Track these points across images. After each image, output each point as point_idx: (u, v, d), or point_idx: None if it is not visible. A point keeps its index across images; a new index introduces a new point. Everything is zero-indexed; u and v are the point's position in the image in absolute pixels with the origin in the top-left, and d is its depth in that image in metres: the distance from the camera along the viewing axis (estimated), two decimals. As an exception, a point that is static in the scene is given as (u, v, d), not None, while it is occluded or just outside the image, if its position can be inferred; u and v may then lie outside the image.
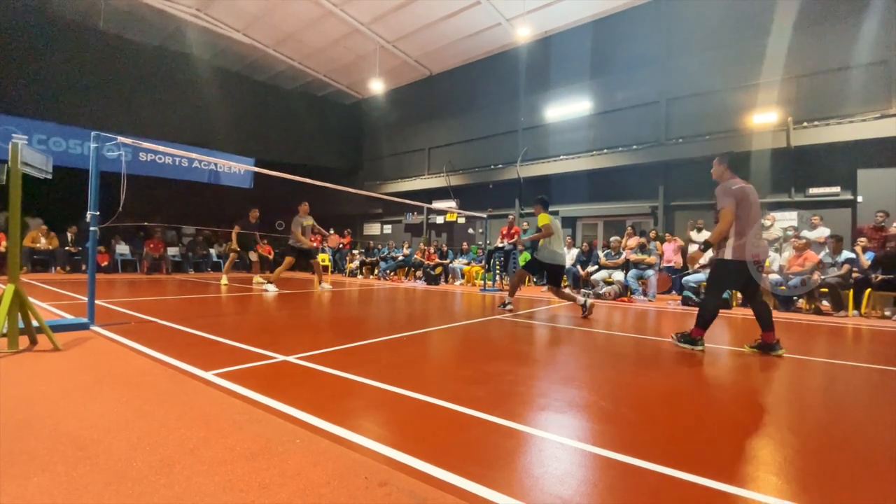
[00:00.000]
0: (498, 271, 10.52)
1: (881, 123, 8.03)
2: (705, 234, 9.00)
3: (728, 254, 3.57)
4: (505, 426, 1.85)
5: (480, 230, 13.71)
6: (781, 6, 9.22)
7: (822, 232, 7.86)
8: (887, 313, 6.38)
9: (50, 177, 3.46)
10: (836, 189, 8.75)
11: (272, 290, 7.56)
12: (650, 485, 1.41)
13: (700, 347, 3.61)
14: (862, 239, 7.27)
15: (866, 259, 6.82)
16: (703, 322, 3.63)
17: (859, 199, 8.43)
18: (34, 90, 11.12)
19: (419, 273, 12.22)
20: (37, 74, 11.08)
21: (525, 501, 1.28)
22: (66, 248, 11.16)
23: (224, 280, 9.38)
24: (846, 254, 6.95)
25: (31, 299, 3.06)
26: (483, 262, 10.98)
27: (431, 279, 11.61)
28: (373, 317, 5.35)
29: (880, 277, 6.36)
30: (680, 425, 1.97)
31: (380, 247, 15.16)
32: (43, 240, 10.69)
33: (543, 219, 5.63)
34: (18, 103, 10.91)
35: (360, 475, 1.39)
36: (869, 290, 6.41)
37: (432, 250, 12.70)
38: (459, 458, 1.54)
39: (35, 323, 3.02)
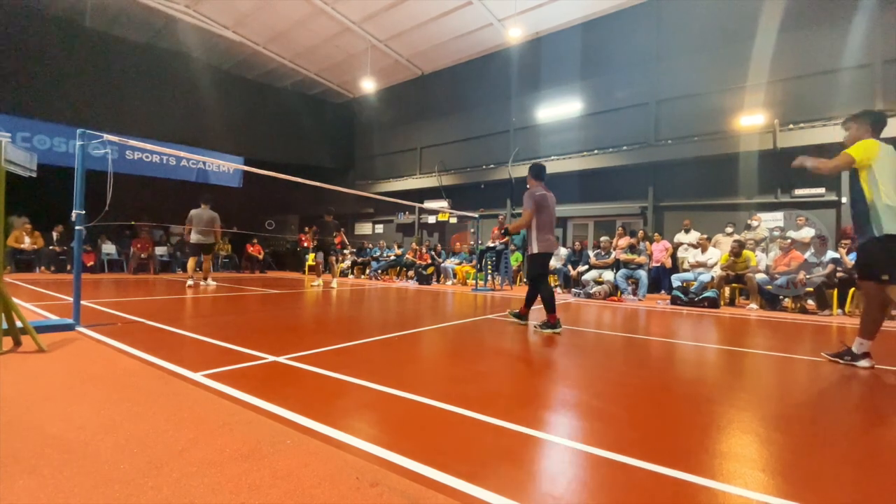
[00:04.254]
0: (490, 271, 10.54)
1: (865, 126, 8.17)
2: (693, 235, 9.11)
3: (535, 248, 4.46)
4: (496, 425, 1.86)
5: (472, 230, 13.72)
6: (768, 10, 9.36)
7: (808, 232, 8.00)
8: (870, 312, 6.50)
9: (34, 175, 3.40)
10: (822, 190, 8.90)
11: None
12: (640, 482, 1.42)
13: (559, 329, 4.25)
14: (846, 240, 7.41)
15: (850, 259, 6.95)
16: (552, 306, 4.34)
17: (843, 199, 8.58)
18: (18, 87, 10.89)
19: (411, 273, 12.21)
20: (20, 71, 10.85)
21: (517, 500, 1.28)
22: (51, 247, 10.97)
23: (334, 283, 9.42)
24: (831, 254, 7.08)
25: (14, 300, 3.00)
26: (475, 261, 11.00)
27: (423, 279, 11.61)
28: (364, 317, 5.33)
29: (864, 277, 6.48)
30: (670, 423, 1.99)
31: (371, 246, 15.12)
32: (27, 239, 10.50)
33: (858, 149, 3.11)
34: (1, 100, 10.69)
35: (351, 476, 1.39)
36: (853, 289, 6.53)
37: (424, 250, 12.70)
38: (451, 457, 1.54)
39: (19, 324, 2.96)
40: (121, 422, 1.78)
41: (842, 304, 6.63)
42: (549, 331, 4.28)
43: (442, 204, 14.54)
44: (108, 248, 12.17)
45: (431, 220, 15.78)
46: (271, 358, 2.86)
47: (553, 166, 12.26)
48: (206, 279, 8.60)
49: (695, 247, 8.60)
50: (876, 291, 3.08)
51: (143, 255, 11.97)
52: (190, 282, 8.26)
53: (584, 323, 5.29)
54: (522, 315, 4.76)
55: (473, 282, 10.33)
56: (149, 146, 4.92)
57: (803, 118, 8.92)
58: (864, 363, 3.13)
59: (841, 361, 3.22)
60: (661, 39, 10.93)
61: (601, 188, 11.80)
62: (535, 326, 4.44)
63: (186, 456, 1.49)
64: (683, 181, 10.46)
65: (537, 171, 4.67)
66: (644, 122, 11.00)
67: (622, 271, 8.49)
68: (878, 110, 3.52)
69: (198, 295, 6.95)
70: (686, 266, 8.58)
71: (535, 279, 4.57)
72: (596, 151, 11.61)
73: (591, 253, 9.51)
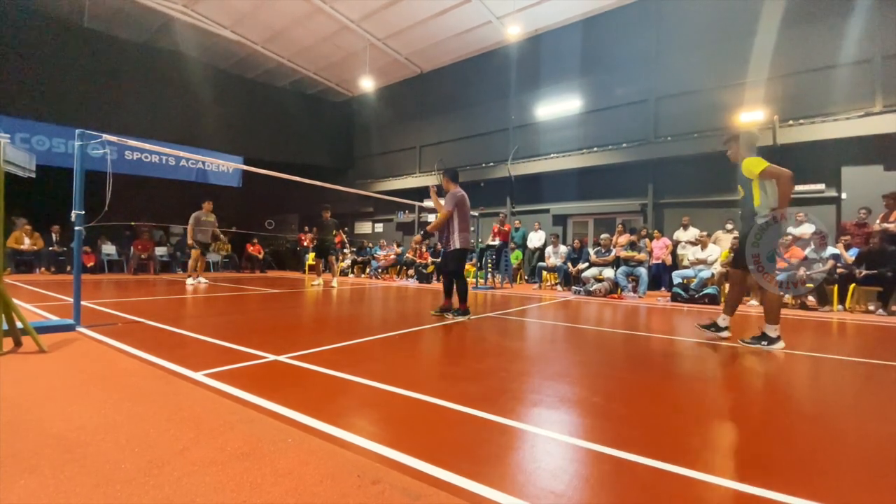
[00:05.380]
0: (490, 269, 10.53)
1: (865, 121, 8.17)
2: (692, 232, 9.10)
3: (457, 244, 4.94)
4: (497, 422, 1.85)
5: (472, 228, 13.70)
6: (767, 6, 9.34)
7: (808, 228, 7.99)
8: (871, 308, 6.51)
9: (34, 176, 3.40)
10: (821, 186, 8.89)
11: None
12: (641, 479, 1.42)
13: (469, 316, 4.88)
14: (845, 237, 7.40)
15: (849, 255, 6.95)
16: (466, 296, 4.95)
17: (843, 195, 8.58)
18: (17, 87, 10.88)
19: (411, 272, 12.20)
20: (19, 71, 10.84)
21: (518, 497, 1.28)
22: (51, 248, 10.96)
23: (334, 282, 9.39)
24: (831, 249, 7.08)
25: (15, 300, 3.00)
26: (475, 259, 10.98)
27: (423, 277, 11.60)
28: (364, 316, 5.33)
29: (864, 273, 6.49)
30: (670, 419, 1.99)
31: (371, 245, 15.13)
32: (27, 240, 10.49)
33: (756, 162, 3.72)
34: (0, 101, 10.68)
35: (352, 473, 1.39)
36: (853, 285, 6.53)
37: (424, 248, 12.68)
38: (452, 454, 1.54)
39: (19, 324, 2.96)
40: (121, 421, 1.78)
41: (842, 300, 6.63)
42: (462, 317, 4.81)
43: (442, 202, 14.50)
44: (108, 248, 12.17)
45: (431, 218, 15.76)
46: (272, 357, 2.86)
47: (552, 164, 12.28)
48: (191, 277, 8.93)
49: (694, 244, 8.59)
50: (741, 278, 3.92)
51: (143, 256, 11.96)
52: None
53: (585, 320, 5.29)
54: (447, 308, 5.02)
55: (474, 280, 10.33)
56: (148, 146, 4.91)
57: (803, 114, 8.90)
58: (725, 334, 3.92)
59: (708, 332, 4.00)
60: (661, 36, 10.91)
61: (601, 185, 11.79)
62: (451, 314, 4.90)
63: (187, 455, 1.49)
64: (683, 178, 10.44)
65: (454, 174, 5.17)
66: (643, 119, 10.98)
67: (622, 269, 8.48)
68: (751, 131, 4.18)
69: (198, 295, 6.95)
70: (686, 263, 8.57)
71: (454, 272, 5.05)
72: (595, 149, 11.59)
73: (591, 250, 9.50)
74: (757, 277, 3.71)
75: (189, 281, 8.72)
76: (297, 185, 6.46)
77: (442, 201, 5.21)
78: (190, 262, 9.07)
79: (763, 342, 3.61)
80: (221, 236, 9.74)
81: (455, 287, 5.02)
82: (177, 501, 1.22)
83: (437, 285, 10.82)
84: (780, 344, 3.59)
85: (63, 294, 6.18)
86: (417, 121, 16.05)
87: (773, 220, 3.61)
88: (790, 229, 8.23)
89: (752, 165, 3.67)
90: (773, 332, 3.61)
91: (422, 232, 4.95)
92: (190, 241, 9.01)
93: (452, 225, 4.95)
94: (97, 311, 4.67)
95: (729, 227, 8.82)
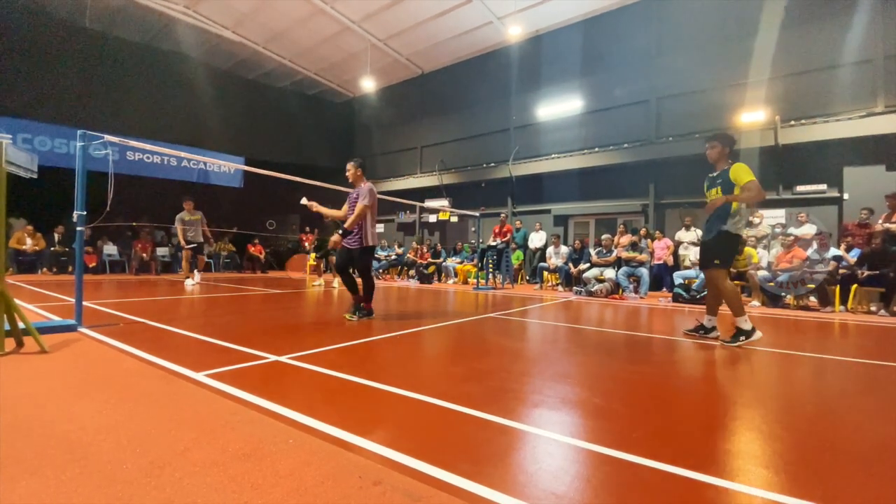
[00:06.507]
0: (491, 270, 10.53)
1: (867, 122, 8.15)
2: (693, 232, 9.08)
3: (370, 241, 4.65)
4: (498, 423, 1.85)
5: (473, 229, 13.71)
6: (769, 6, 9.32)
7: (809, 229, 7.98)
8: (873, 308, 6.49)
9: (35, 176, 3.40)
10: (823, 186, 8.87)
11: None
12: (643, 480, 1.42)
13: (373, 315, 4.71)
14: (847, 237, 7.38)
15: (851, 257, 6.93)
16: (371, 296, 4.72)
17: (845, 196, 8.56)
18: (18, 88, 10.91)
19: (412, 272, 12.20)
20: (21, 72, 10.86)
21: (519, 498, 1.28)
22: (53, 248, 10.98)
23: (335, 283, 9.29)
24: (833, 250, 7.06)
25: (17, 301, 3.00)
26: (476, 260, 10.98)
27: (424, 278, 11.60)
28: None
29: (866, 273, 6.47)
30: (672, 420, 1.98)
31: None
32: (29, 241, 10.51)
33: (746, 172, 3.70)
34: (2, 102, 10.70)
35: (353, 474, 1.39)
36: (855, 285, 6.51)
37: (425, 249, 12.69)
38: (453, 455, 1.54)
39: (21, 325, 2.96)
40: (123, 422, 1.78)
41: (844, 301, 6.61)
42: (367, 317, 4.64)
43: (443, 203, 14.52)
44: (110, 248, 12.18)
45: (432, 218, 15.78)
46: (273, 357, 2.86)
47: (553, 164, 12.28)
48: (189, 278, 8.87)
49: (695, 244, 8.57)
50: (715, 275, 3.87)
51: (144, 256, 11.97)
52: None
53: (586, 321, 5.28)
54: (370, 311, 4.78)
55: (475, 280, 10.33)
56: (149, 147, 4.92)
57: (805, 115, 8.89)
58: (714, 334, 3.94)
59: (697, 335, 4.00)
60: (661, 36, 10.90)
61: (602, 186, 11.78)
62: (356, 315, 4.64)
63: (189, 455, 1.49)
64: (685, 178, 10.42)
65: (364, 166, 4.88)
66: (644, 119, 10.97)
67: (624, 269, 8.47)
68: (731, 134, 4.19)
69: (199, 295, 6.95)
70: (688, 263, 8.56)
71: (362, 270, 4.78)
72: (596, 149, 11.59)
73: (592, 251, 9.49)
74: (712, 275, 3.86)
75: (188, 282, 8.71)
76: (298, 186, 6.46)
77: (321, 207, 4.95)
78: (184, 263, 9.07)
79: (742, 338, 3.62)
80: (208, 234, 9.48)
81: (362, 284, 4.79)
82: (178, 502, 1.22)
83: (438, 285, 10.81)
84: (758, 334, 3.61)
85: (65, 294, 6.18)
86: (418, 121, 16.06)
87: (733, 233, 3.76)
88: (791, 229, 8.22)
89: (743, 173, 3.68)
90: (744, 324, 3.63)
91: (339, 231, 4.64)
92: (182, 243, 8.96)
93: (366, 221, 4.64)
94: (99, 312, 4.68)
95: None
